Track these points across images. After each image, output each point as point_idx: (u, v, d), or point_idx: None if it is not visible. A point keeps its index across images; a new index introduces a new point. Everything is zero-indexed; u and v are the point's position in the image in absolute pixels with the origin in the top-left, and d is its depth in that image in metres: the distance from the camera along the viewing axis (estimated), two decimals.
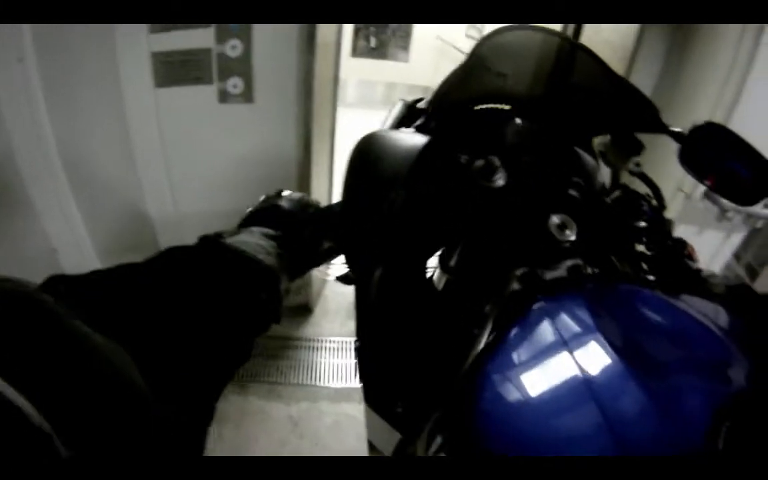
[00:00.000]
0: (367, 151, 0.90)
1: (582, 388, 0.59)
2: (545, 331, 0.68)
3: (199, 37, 2.07)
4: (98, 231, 2.20)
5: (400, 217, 0.82)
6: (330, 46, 2.41)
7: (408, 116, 1.11)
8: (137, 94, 2.16)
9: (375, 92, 7.66)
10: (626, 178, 1.08)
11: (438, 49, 7.24)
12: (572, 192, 0.94)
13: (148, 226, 2.50)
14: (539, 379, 0.64)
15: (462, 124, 1.03)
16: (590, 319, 0.66)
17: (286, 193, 0.96)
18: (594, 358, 0.61)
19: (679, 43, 2.42)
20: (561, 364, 0.63)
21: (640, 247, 0.97)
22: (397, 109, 1.12)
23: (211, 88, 2.17)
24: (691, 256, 0.93)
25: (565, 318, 0.68)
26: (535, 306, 0.73)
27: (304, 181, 2.47)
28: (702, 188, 2.26)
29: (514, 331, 0.72)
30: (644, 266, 0.95)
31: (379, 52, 7.64)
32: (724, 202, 2.25)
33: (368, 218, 0.85)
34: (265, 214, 0.90)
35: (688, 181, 2.27)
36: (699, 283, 0.91)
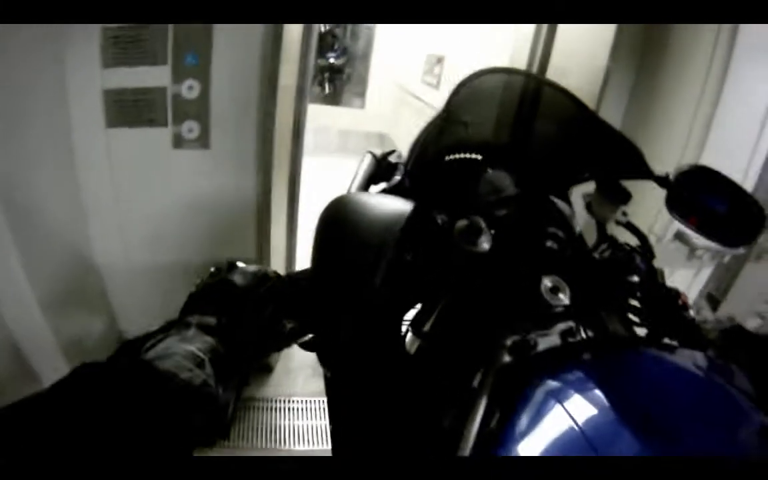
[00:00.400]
0: (342, 220, 0.80)
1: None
2: (555, 415, 0.62)
3: (154, 75, 1.95)
4: (41, 281, 1.98)
5: (387, 291, 0.73)
6: (290, 89, 2.31)
7: (378, 172, 1.03)
8: (87, 134, 1.99)
9: (330, 139, 7.59)
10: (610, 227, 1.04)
11: (394, 96, 7.29)
12: (550, 243, 0.90)
13: (96, 278, 2.30)
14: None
15: (437, 179, 0.97)
16: (601, 398, 0.61)
17: (240, 265, 0.83)
18: (610, 440, 0.57)
19: (644, 86, 2.45)
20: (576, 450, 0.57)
21: (632, 300, 0.93)
22: (365, 165, 1.03)
23: (166, 131, 2.04)
24: (685, 305, 0.89)
25: (573, 399, 0.63)
26: (537, 386, 0.68)
27: (263, 232, 2.35)
28: (673, 230, 2.27)
29: (519, 417, 0.66)
30: (637, 319, 0.91)
31: (333, 98, 7.65)
32: (695, 241, 2.27)
33: (350, 294, 0.74)
34: (213, 294, 0.77)
35: (659, 223, 2.27)
36: (695, 332, 0.87)
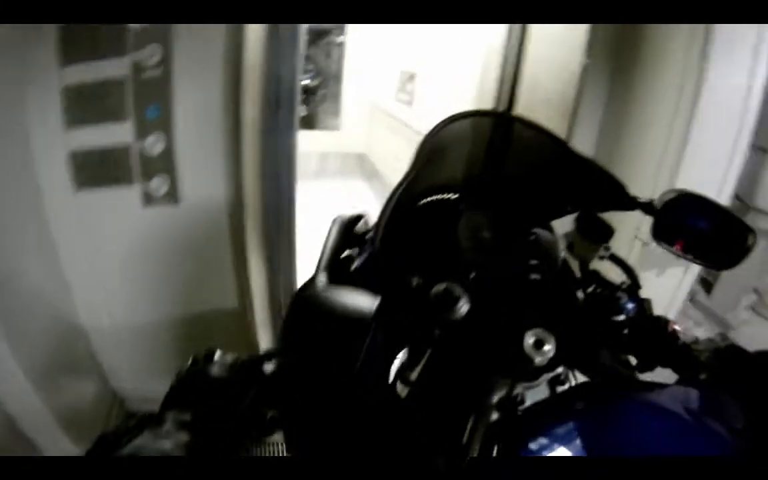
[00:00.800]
0: (309, 322, 0.74)
1: None
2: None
3: (118, 132, 1.89)
4: (27, 353, 1.90)
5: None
6: (255, 123, 2.22)
7: (347, 240, 0.98)
8: (57, 198, 1.94)
9: (308, 163, 7.51)
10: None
11: (369, 114, 7.27)
12: (534, 276, 0.89)
13: (83, 341, 2.25)
14: None
15: (411, 230, 0.94)
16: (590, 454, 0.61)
17: (217, 354, 0.79)
18: None
19: (621, 88, 2.44)
20: None
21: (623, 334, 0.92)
22: (333, 235, 0.97)
23: (135, 189, 1.99)
24: (675, 334, 0.88)
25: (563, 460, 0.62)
26: (527, 443, 0.66)
27: (242, 280, 2.32)
28: None
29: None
30: (629, 353, 0.90)
31: (308, 121, 7.56)
32: None
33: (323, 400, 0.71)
34: (191, 387, 0.75)
35: (645, 227, 2.25)
36: (688, 359, 0.85)
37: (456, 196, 1.02)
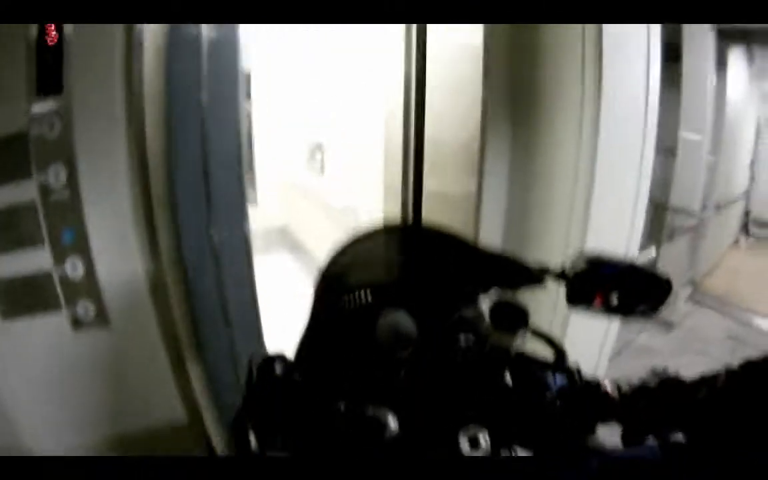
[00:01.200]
0: None
1: None
2: None
3: (37, 259, 1.85)
4: None
5: None
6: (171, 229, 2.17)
7: (268, 384, 0.96)
8: None
9: None
10: None
11: (284, 186, 7.25)
12: (464, 354, 0.92)
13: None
14: None
15: (329, 359, 0.96)
16: None
17: None
18: None
19: (522, 133, 2.51)
20: None
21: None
22: (254, 380, 0.95)
23: (63, 314, 1.92)
24: (607, 395, 0.90)
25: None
26: None
27: (186, 390, 2.26)
28: None
29: None
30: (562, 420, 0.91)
31: None
32: None
33: None
34: None
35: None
36: (624, 412, 0.88)
37: (369, 300, 1.03)
